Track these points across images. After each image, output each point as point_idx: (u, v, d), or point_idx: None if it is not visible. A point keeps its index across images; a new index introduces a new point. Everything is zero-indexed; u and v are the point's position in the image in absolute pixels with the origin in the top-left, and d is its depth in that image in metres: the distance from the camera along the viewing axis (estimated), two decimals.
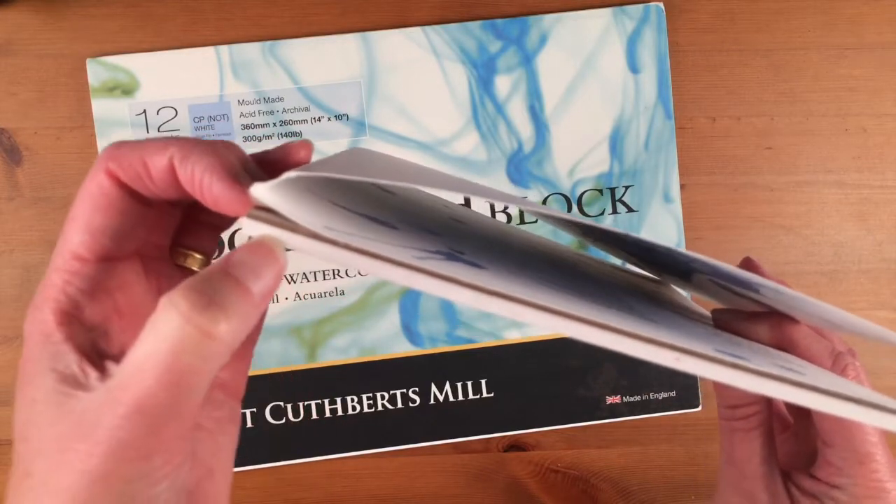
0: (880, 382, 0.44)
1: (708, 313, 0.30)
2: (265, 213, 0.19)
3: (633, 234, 0.22)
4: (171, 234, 0.24)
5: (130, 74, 0.42)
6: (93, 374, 0.19)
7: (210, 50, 0.42)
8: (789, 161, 0.43)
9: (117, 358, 0.20)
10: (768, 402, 0.27)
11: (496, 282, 0.18)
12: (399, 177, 0.20)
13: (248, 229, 0.19)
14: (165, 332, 0.18)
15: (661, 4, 0.42)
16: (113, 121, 0.42)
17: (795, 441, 0.30)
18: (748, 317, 0.28)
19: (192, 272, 0.24)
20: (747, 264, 0.29)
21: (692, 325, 0.25)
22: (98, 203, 0.21)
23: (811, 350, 0.26)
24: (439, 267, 0.18)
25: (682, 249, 0.20)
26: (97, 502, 0.18)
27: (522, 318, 0.18)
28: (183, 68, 0.42)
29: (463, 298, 0.18)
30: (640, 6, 0.42)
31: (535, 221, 0.43)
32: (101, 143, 0.42)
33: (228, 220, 0.24)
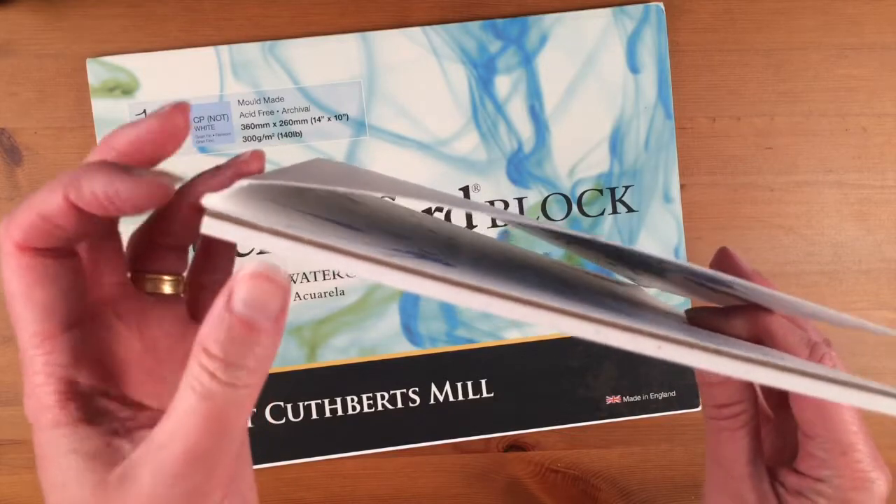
0: (880, 382, 0.44)
1: (682, 313, 0.30)
2: (224, 215, 0.19)
3: (601, 238, 0.21)
4: (123, 268, 0.23)
5: (130, 74, 0.42)
6: (122, 443, 0.20)
7: (210, 50, 0.42)
8: (789, 161, 0.43)
9: (134, 414, 0.21)
10: (754, 402, 0.27)
11: (466, 277, 0.18)
12: (362, 185, 0.20)
13: (208, 230, 0.18)
14: (199, 392, 0.18)
15: (661, 4, 0.42)
16: (113, 121, 0.42)
17: (776, 436, 0.30)
18: (724, 312, 0.28)
19: (166, 295, 0.24)
20: (722, 255, 0.29)
21: (669, 321, 0.25)
22: (28, 279, 0.20)
23: (787, 340, 0.26)
24: (406, 261, 0.18)
25: (652, 252, 0.20)
26: None
27: (497, 310, 0.18)
28: (183, 68, 0.42)
29: (431, 292, 0.18)
30: (640, 6, 0.42)
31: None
32: None
33: (187, 236, 0.23)
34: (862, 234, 0.44)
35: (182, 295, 0.25)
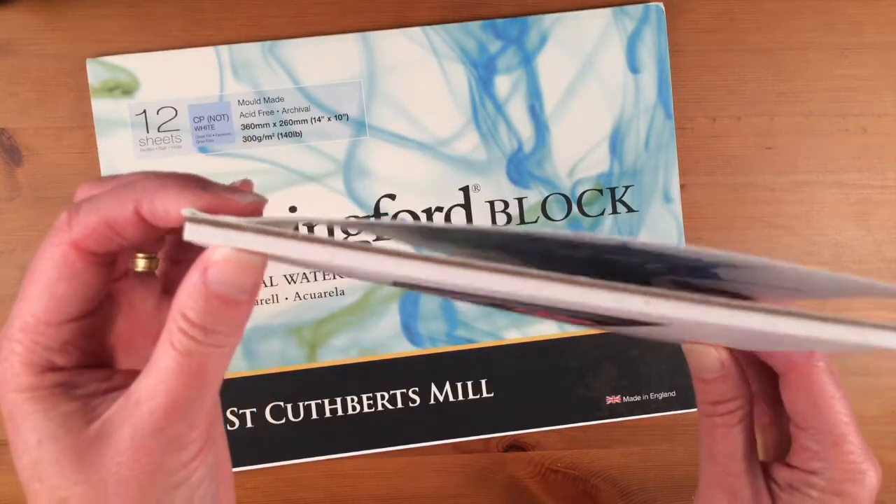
0: (880, 382, 0.44)
1: None
2: (205, 219, 0.19)
3: (578, 234, 0.20)
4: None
5: (130, 74, 0.42)
6: (97, 402, 0.21)
7: (210, 50, 0.42)
8: (789, 161, 0.43)
9: (108, 376, 0.22)
10: (749, 398, 0.27)
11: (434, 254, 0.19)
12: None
13: (191, 236, 0.19)
14: (179, 349, 0.20)
15: (661, 4, 0.42)
16: (113, 121, 0.42)
17: (770, 433, 0.30)
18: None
19: (140, 272, 0.25)
20: None
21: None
22: (62, 273, 0.21)
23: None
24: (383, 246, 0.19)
25: (634, 240, 0.20)
26: (151, 500, 0.20)
27: (462, 280, 0.18)
28: (183, 68, 0.42)
29: (408, 270, 0.18)
30: (640, 6, 0.42)
31: (536, 220, 0.43)
32: (101, 143, 0.42)
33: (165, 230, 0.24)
34: (862, 234, 0.44)
35: (156, 271, 0.26)
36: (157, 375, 0.20)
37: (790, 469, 0.27)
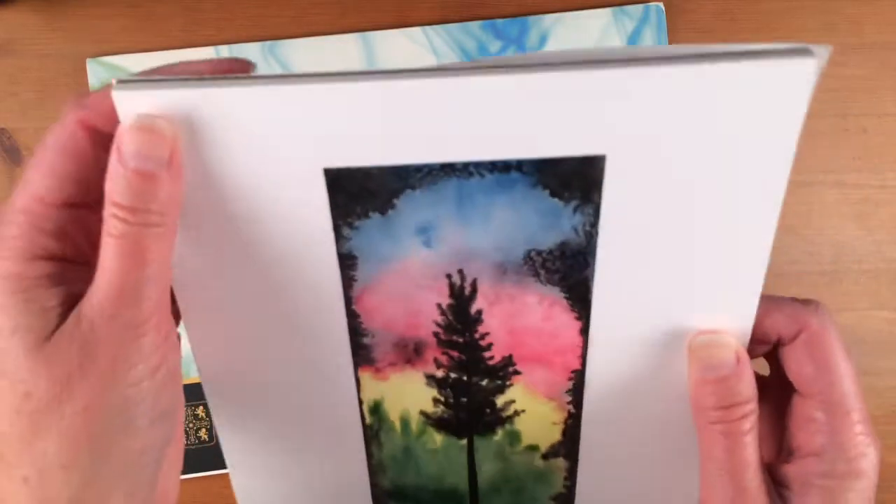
0: (880, 382, 0.44)
1: None
2: (134, 81, 0.21)
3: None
4: None
5: (130, 74, 0.41)
6: (77, 298, 0.21)
7: (210, 50, 0.42)
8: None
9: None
10: (757, 401, 0.25)
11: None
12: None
13: (120, 102, 0.21)
14: (114, 234, 0.20)
15: (661, 4, 0.42)
16: None
17: (769, 435, 0.28)
18: None
19: None
20: None
21: None
22: (68, 150, 0.22)
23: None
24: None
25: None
26: (111, 391, 0.20)
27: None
28: None
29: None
30: (640, 6, 0.42)
31: None
32: None
33: None
34: (862, 234, 0.44)
35: None
36: (101, 264, 0.20)
37: (790, 464, 0.25)
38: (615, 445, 0.28)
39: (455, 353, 0.26)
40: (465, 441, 0.28)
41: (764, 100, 0.21)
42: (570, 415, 0.27)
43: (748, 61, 0.20)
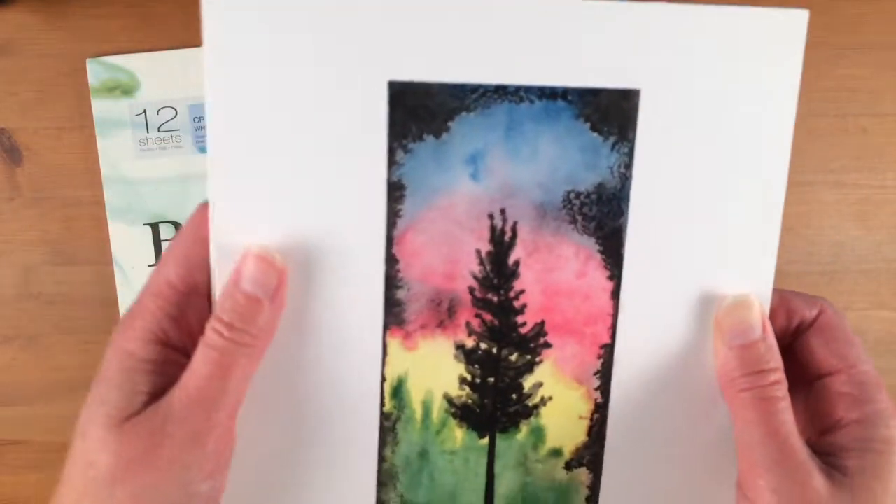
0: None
1: None
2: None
3: None
4: None
5: (130, 74, 0.42)
6: (159, 387, 0.23)
7: None
8: (789, 161, 0.43)
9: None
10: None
11: None
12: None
13: (210, 24, 0.24)
14: (209, 345, 0.23)
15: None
16: (113, 121, 0.42)
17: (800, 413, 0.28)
18: None
19: None
20: None
21: None
22: (198, 240, 0.24)
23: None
24: None
25: None
26: (162, 487, 0.22)
27: None
28: (183, 68, 0.42)
29: None
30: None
31: None
32: (101, 143, 0.42)
33: None
34: (862, 234, 0.44)
35: None
36: (191, 367, 0.23)
37: (831, 435, 0.25)
38: (641, 454, 0.27)
39: (488, 317, 0.26)
40: (485, 441, 0.28)
41: (770, 42, 0.25)
42: (596, 407, 0.27)
43: (758, 8, 0.24)
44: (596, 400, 0.27)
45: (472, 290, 0.26)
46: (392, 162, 0.25)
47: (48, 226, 0.42)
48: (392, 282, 0.26)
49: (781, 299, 0.26)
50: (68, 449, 0.24)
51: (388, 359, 0.27)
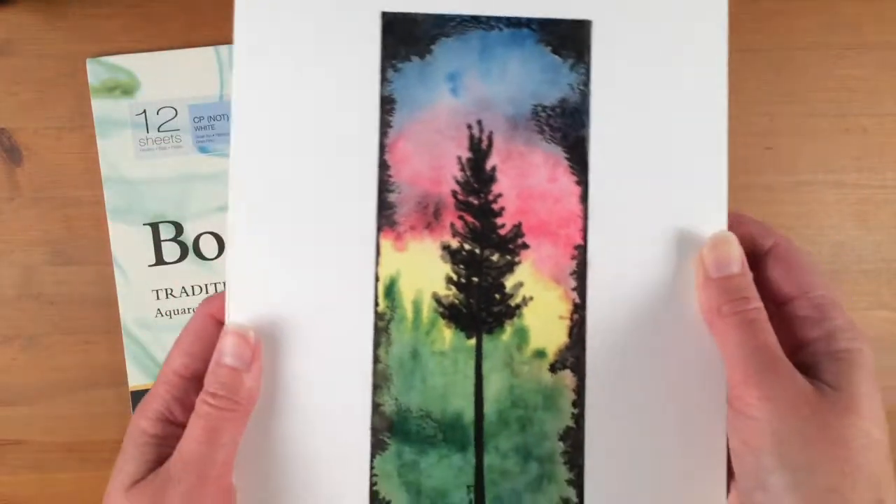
0: (880, 382, 0.44)
1: None
2: None
3: None
4: None
5: (130, 74, 0.42)
6: (165, 457, 0.27)
7: (210, 50, 0.42)
8: (789, 161, 0.43)
9: None
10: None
11: None
12: None
13: None
14: (198, 414, 0.27)
15: None
16: (113, 121, 0.42)
17: None
18: None
19: None
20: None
21: None
22: (199, 335, 0.29)
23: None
24: None
25: None
26: None
27: None
28: (183, 68, 0.42)
29: None
30: None
31: None
32: (101, 143, 0.42)
33: None
34: (862, 234, 0.44)
35: None
36: (185, 435, 0.27)
37: (798, 355, 0.27)
38: (622, 359, 0.29)
39: (470, 219, 0.29)
40: (473, 342, 0.29)
41: None
42: (575, 307, 0.29)
43: None
44: (574, 300, 0.29)
45: (454, 194, 0.29)
46: (384, 79, 0.29)
47: (48, 226, 0.42)
48: (384, 185, 0.29)
49: (739, 222, 0.29)
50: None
51: (381, 259, 0.29)
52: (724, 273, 0.27)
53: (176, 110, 0.42)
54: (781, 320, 0.28)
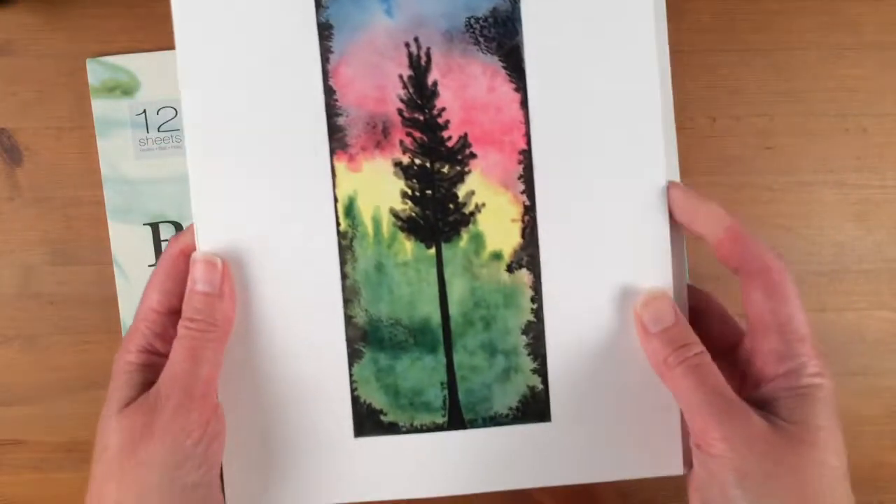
0: (880, 382, 0.44)
1: None
2: None
3: None
4: None
5: (130, 74, 0.42)
6: (151, 382, 0.29)
7: None
8: (789, 161, 0.43)
9: None
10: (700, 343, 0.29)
11: None
12: None
13: None
14: (179, 336, 0.29)
15: None
16: (113, 121, 0.42)
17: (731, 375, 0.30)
18: None
19: None
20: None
21: None
22: (170, 272, 0.30)
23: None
24: None
25: None
26: (158, 453, 0.27)
27: None
28: None
29: None
30: None
31: None
32: (101, 143, 0.42)
33: None
34: (862, 234, 0.44)
35: None
36: (170, 359, 0.29)
37: (758, 390, 0.28)
38: (574, 256, 0.31)
39: (417, 134, 0.31)
40: (433, 251, 0.31)
41: None
42: (525, 209, 0.31)
43: None
44: (524, 203, 0.31)
45: (400, 112, 0.30)
46: (319, 5, 0.30)
47: (48, 226, 0.43)
48: (332, 110, 0.30)
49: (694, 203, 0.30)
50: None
51: (337, 181, 0.30)
52: (662, 327, 0.29)
53: (176, 110, 0.42)
54: (751, 352, 0.29)
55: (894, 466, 0.44)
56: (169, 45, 0.42)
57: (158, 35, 0.42)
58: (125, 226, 0.42)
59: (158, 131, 0.42)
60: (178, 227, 0.42)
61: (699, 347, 0.28)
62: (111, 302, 0.42)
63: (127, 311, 0.42)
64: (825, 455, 0.26)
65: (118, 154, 0.42)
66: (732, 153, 0.44)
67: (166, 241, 0.42)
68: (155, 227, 0.42)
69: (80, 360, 0.43)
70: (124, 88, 0.42)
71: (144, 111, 0.42)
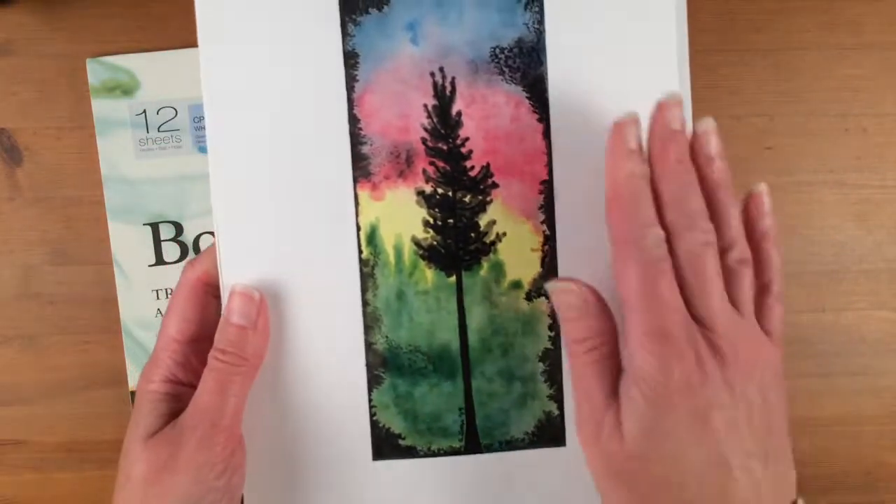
0: (880, 382, 0.44)
1: None
2: None
3: None
4: None
5: (130, 74, 0.42)
6: (176, 411, 0.30)
7: None
8: (789, 161, 0.43)
9: None
10: (613, 334, 0.27)
11: None
12: None
13: None
14: (209, 368, 0.29)
15: None
16: (113, 121, 0.42)
17: None
18: None
19: None
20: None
21: None
22: (189, 299, 0.31)
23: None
24: None
25: None
26: (182, 485, 0.28)
27: None
28: (183, 68, 0.42)
29: None
30: None
31: None
32: (101, 143, 0.42)
33: None
34: (862, 234, 0.44)
35: None
36: (198, 389, 0.29)
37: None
38: (592, 279, 0.30)
39: (441, 163, 0.31)
40: (453, 279, 0.31)
41: None
42: (546, 239, 0.31)
43: None
44: (544, 232, 0.31)
45: (424, 141, 0.30)
46: (345, 34, 0.30)
47: (48, 226, 0.42)
48: (356, 139, 0.30)
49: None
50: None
51: (360, 209, 0.31)
52: (567, 315, 0.28)
53: (176, 110, 0.42)
54: None
55: (894, 466, 0.44)
56: (169, 45, 0.42)
57: (158, 35, 0.42)
58: (125, 226, 0.42)
59: (158, 131, 0.42)
60: (177, 226, 0.42)
61: (595, 342, 0.27)
62: (111, 302, 0.42)
63: (127, 311, 0.42)
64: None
65: (118, 154, 0.42)
66: (732, 153, 0.43)
67: (166, 240, 0.42)
68: (155, 227, 0.42)
69: (80, 360, 0.43)
70: (124, 88, 0.42)
71: (144, 111, 0.42)
